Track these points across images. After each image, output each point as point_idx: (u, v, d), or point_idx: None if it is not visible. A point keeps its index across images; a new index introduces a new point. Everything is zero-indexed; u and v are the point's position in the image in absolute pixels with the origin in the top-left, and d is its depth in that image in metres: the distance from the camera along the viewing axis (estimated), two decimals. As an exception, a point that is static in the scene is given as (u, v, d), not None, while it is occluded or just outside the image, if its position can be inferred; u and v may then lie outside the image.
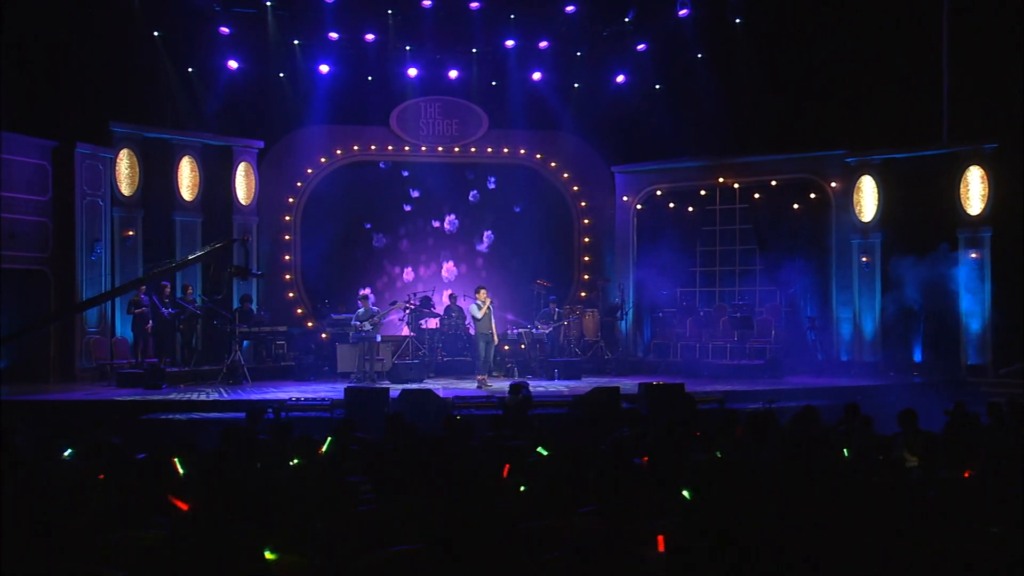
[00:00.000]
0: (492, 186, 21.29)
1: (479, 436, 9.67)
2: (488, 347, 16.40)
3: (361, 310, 16.59)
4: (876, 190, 18.19)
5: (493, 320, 16.34)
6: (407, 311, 18.43)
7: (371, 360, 16.58)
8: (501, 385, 15.90)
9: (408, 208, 21.08)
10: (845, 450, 7.48)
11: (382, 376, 16.49)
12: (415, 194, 21.12)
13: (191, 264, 16.13)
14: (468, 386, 15.80)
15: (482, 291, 16.40)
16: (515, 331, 18.54)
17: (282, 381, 16.50)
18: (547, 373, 17.04)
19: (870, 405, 11.63)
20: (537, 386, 15.67)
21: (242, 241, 16.37)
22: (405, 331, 18.86)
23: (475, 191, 21.26)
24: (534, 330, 17.86)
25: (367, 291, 17.83)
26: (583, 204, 21.55)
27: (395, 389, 13.09)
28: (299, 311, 20.09)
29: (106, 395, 13.98)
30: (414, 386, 14.60)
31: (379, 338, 16.56)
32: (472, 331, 18.82)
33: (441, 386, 15.68)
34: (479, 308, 16.20)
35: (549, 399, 13.36)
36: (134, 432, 11.53)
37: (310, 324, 19.41)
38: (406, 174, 21.09)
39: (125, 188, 17.61)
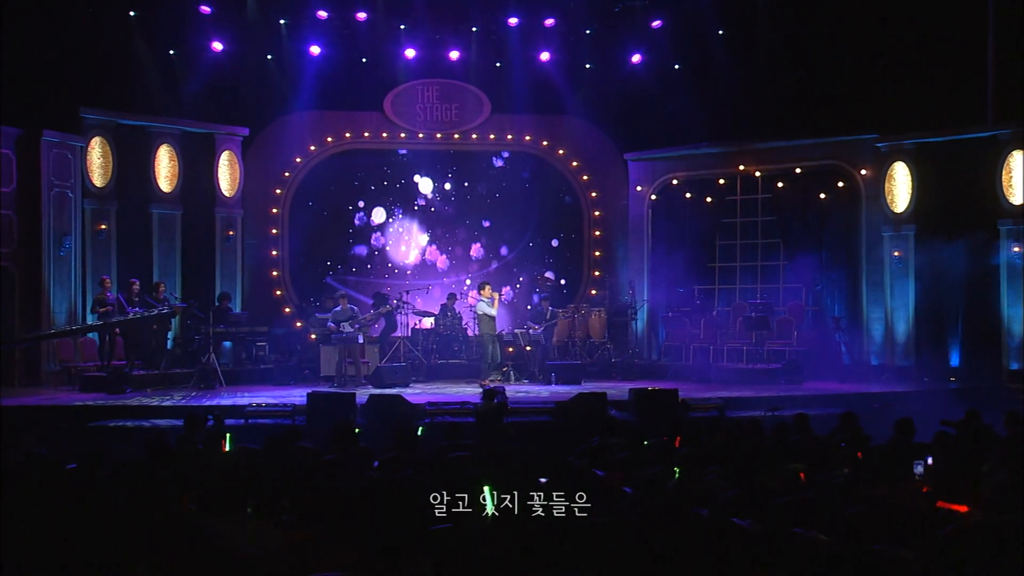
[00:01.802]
0: (495, 174, 21.06)
1: (435, 446, 9.47)
2: (495, 347, 16.10)
3: (339, 308, 16.41)
4: (910, 178, 17.67)
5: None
6: (397, 311, 18.23)
7: (356, 363, 16.44)
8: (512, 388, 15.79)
9: (404, 200, 20.89)
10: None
11: (367, 381, 16.30)
12: (414, 186, 20.91)
13: (148, 321, 15.95)
14: (457, 391, 15.52)
15: (487, 287, 16.15)
16: (510, 331, 18.24)
17: (259, 385, 16.33)
18: (545, 377, 16.75)
19: (897, 414, 11.23)
20: (530, 391, 15.48)
21: (190, 306, 16.53)
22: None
23: (481, 182, 21.03)
24: (529, 331, 17.57)
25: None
26: (594, 195, 21.20)
27: (364, 395, 12.85)
28: (287, 310, 19.95)
29: (62, 400, 13.88)
30: (383, 391, 14.34)
31: (361, 339, 16.33)
32: (471, 332, 18.72)
33: (427, 391, 15.48)
34: (490, 305, 15.92)
35: (530, 406, 13.10)
36: (80, 441, 11.45)
37: (299, 324, 19.26)
38: (403, 152, 20.90)
39: (97, 179, 17.54)
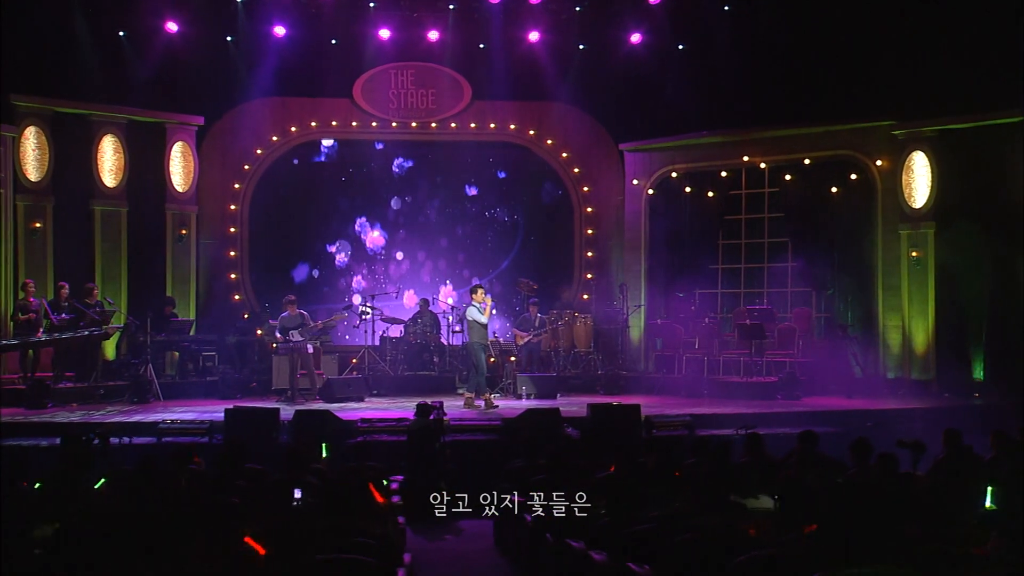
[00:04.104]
0: (475, 169, 20.70)
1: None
2: (485, 358, 15.67)
3: (286, 314, 16.07)
4: (930, 169, 17.09)
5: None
6: (362, 317, 17.90)
7: (309, 375, 16.11)
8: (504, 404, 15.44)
9: (374, 197, 20.55)
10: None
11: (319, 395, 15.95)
12: (389, 179, 20.59)
13: (67, 342, 15.61)
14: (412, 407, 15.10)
15: (480, 290, 15.66)
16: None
17: (201, 399, 15.95)
18: (517, 391, 16.32)
19: (898, 433, 10.72)
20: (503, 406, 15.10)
21: (128, 326, 16.52)
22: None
23: (460, 178, 20.68)
24: (501, 338, 17.14)
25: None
26: (585, 189, 20.74)
27: (291, 411, 12.49)
28: (246, 316, 19.64)
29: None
30: (328, 406, 13.94)
31: (311, 348, 15.95)
32: (445, 340, 18.34)
33: (383, 406, 15.10)
34: (481, 311, 15.44)
35: (475, 423, 12.67)
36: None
37: (260, 332, 18.96)
38: (380, 146, 20.59)
39: (31, 172, 17.28)
